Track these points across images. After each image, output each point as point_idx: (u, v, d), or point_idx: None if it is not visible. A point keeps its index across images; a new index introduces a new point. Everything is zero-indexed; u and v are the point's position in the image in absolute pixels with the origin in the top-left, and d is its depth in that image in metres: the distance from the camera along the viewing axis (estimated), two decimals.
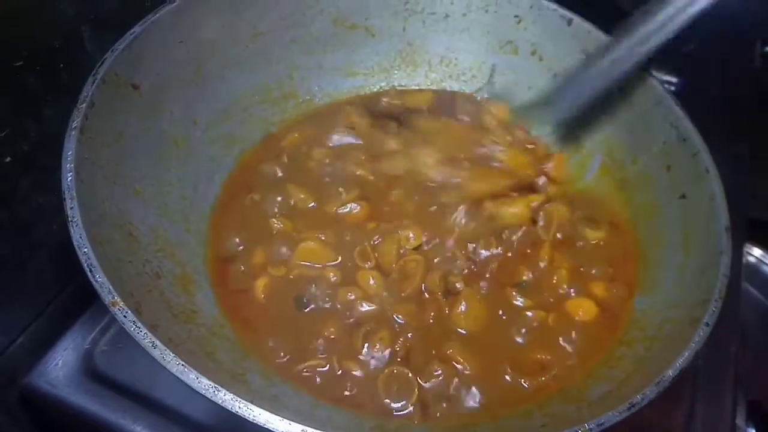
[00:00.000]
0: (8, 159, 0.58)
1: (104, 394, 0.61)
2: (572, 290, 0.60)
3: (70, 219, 0.45)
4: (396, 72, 0.78)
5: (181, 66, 0.62)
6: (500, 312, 0.58)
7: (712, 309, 0.48)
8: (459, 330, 0.56)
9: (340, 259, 0.60)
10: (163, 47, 0.60)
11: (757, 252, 0.98)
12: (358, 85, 0.77)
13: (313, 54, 0.74)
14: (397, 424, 0.50)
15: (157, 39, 0.59)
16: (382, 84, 0.78)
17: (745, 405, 0.63)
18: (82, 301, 0.66)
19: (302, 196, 0.64)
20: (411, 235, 0.60)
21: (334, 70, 0.76)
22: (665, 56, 0.65)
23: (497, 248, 0.61)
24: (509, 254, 0.62)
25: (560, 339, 0.56)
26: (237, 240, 0.61)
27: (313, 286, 0.58)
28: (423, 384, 0.52)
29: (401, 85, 0.78)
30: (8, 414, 0.63)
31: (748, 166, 0.84)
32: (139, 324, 0.41)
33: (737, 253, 0.55)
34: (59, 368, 0.63)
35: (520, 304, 0.58)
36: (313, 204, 0.64)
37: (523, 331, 0.56)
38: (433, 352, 0.54)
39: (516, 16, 0.74)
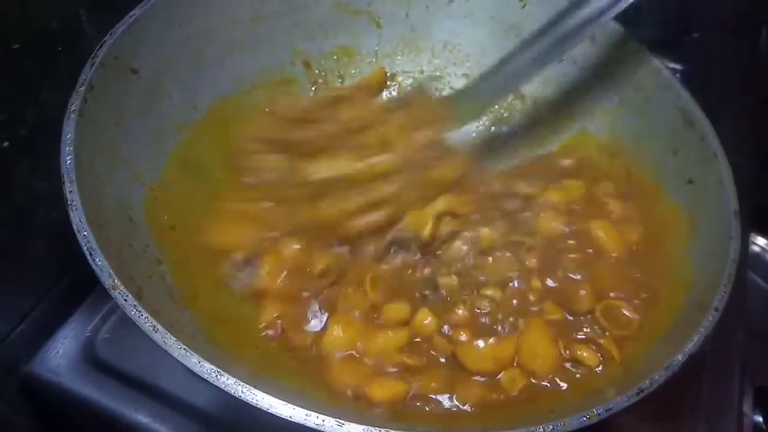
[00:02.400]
0: (6, 144, 0.57)
1: (106, 383, 0.61)
2: None
3: (69, 202, 0.44)
4: (399, 57, 0.77)
5: (181, 49, 0.61)
6: None
7: (721, 294, 0.47)
8: None
9: None
10: (163, 30, 0.59)
11: (761, 241, 0.98)
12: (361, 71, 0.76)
13: (315, 39, 0.73)
14: None
15: (157, 22, 0.58)
16: (385, 70, 0.77)
17: (752, 392, 0.62)
18: (82, 288, 0.66)
19: None
20: None
21: (337, 56, 0.75)
22: (671, 44, 0.64)
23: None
24: None
25: None
26: None
27: None
28: None
29: (404, 71, 0.77)
30: (9, 402, 0.62)
31: (754, 154, 0.83)
32: (140, 308, 0.40)
33: (744, 240, 0.55)
34: (60, 356, 0.63)
35: None
36: None
37: None
38: None
39: (521, 0, 0.73)
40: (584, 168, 0.69)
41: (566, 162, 0.70)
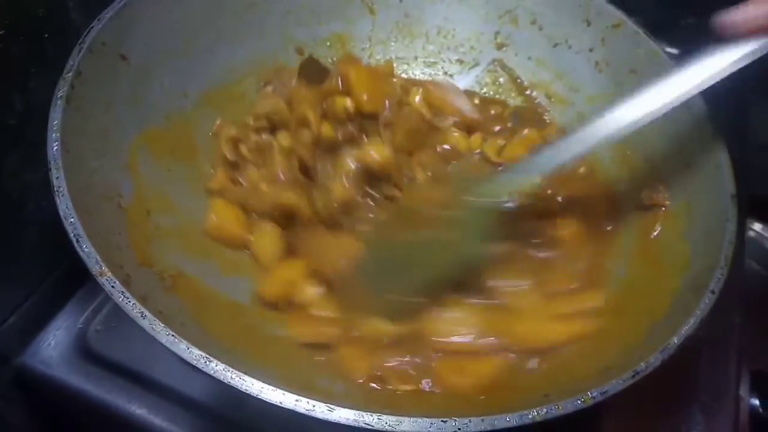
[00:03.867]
0: None
1: (99, 374, 0.60)
2: None
3: (56, 189, 0.43)
4: (393, 44, 0.76)
5: (172, 36, 0.60)
6: None
7: (717, 276, 0.47)
8: None
9: None
10: (152, 16, 0.58)
11: (757, 227, 0.98)
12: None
13: (308, 26, 0.72)
14: None
15: (146, 8, 0.57)
16: (379, 57, 0.76)
17: (749, 376, 0.62)
18: (74, 280, 0.65)
19: None
20: None
21: (330, 43, 0.74)
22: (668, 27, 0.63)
23: None
24: None
25: None
26: None
27: None
28: None
29: (398, 57, 0.77)
30: (1, 395, 0.62)
31: (750, 139, 0.83)
32: (128, 294, 0.40)
33: (741, 224, 0.54)
34: (52, 348, 0.62)
35: None
36: None
37: None
38: None
39: None
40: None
41: None
